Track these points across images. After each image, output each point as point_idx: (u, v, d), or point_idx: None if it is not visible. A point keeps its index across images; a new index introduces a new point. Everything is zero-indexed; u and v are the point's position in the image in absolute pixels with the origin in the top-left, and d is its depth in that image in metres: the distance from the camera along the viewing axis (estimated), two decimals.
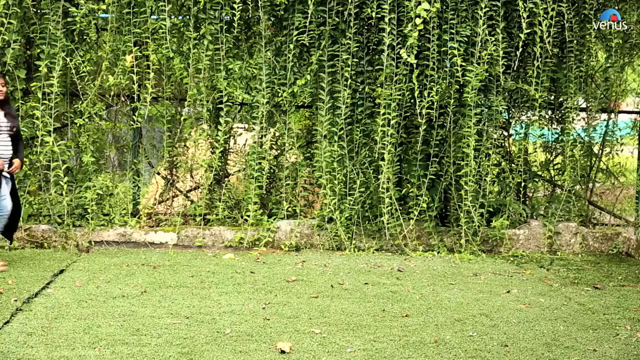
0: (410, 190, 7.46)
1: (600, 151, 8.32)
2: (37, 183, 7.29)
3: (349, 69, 7.27)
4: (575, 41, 7.50)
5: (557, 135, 8.11)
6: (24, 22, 7.17)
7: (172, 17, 7.36)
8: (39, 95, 7.04)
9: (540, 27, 7.20)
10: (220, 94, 7.39)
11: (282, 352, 3.95)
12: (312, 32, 7.30)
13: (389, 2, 6.99)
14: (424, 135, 7.28)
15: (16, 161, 6.08)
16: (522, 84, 7.52)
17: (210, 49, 7.27)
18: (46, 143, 7.06)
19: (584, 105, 8.14)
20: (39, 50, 7.16)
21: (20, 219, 7.12)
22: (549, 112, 8.14)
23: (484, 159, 7.42)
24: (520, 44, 7.18)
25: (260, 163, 7.44)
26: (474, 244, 7.37)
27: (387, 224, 7.30)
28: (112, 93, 7.46)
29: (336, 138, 7.39)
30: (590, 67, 7.74)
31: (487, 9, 7.11)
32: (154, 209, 8.04)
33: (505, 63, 7.33)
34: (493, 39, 7.19)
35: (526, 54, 7.54)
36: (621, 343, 4.31)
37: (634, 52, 8.08)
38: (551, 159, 8.26)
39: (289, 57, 7.35)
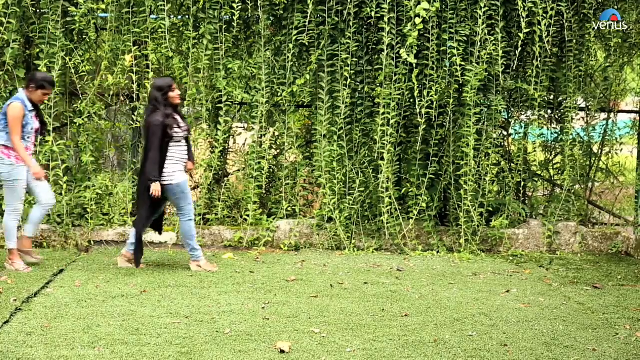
0: (410, 190, 7.46)
1: (600, 151, 8.32)
2: None
3: (349, 68, 7.26)
4: (574, 41, 7.50)
5: (556, 135, 8.11)
6: (23, 21, 7.17)
7: (172, 16, 7.36)
8: None
9: (539, 27, 7.20)
10: (220, 93, 7.39)
11: (282, 351, 3.95)
12: (311, 31, 7.29)
13: (388, 1, 6.99)
14: (423, 135, 7.28)
15: (189, 163, 6.21)
16: (522, 84, 7.51)
17: (210, 48, 7.27)
18: (45, 142, 7.06)
19: (583, 105, 8.13)
20: (38, 50, 7.16)
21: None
22: (549, 111, 8.14)
23: (483, 158, 7.42)
24: (520, 43, 7.17)
25: (259, 163, 7.44)
26: (474, 244, 7.37)
27: (387, 223, 7.30)
28: (111, 92, 7.45)
29: (336, 138, 7.39)
30: (589, 67, 7.73)
31: (487, 8, 7.11)
32: None
33: (505, 62, 7.33)
34: (492, 38, 7.18)
35: (525, 54, 7.54)
36: (620, 342, 4.31)
37: (633, 52, 8.08)
38: (551, 158, 8.26)
39: (288, 57, 7.34)
